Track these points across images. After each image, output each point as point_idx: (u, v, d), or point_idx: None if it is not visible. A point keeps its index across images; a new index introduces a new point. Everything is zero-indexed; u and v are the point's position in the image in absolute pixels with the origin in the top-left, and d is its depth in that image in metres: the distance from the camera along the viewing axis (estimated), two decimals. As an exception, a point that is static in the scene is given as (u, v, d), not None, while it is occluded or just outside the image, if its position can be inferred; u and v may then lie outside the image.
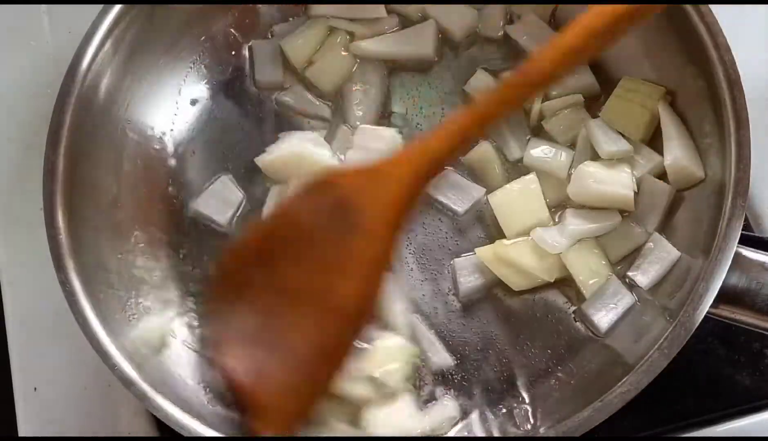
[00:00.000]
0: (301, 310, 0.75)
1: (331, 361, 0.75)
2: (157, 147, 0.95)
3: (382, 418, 0.82)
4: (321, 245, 0.74)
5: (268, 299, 0.76)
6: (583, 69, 0.94)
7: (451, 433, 0.84)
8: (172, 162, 0.96)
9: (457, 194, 0.93)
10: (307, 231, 0.75)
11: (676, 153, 0.85)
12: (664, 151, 0.87)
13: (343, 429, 0.82)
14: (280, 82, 0.99)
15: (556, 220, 0.90)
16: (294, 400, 0.76)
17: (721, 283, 0.74)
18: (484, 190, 0.93)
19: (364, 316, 0.75)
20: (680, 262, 0.84)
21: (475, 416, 0.85)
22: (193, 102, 0.98)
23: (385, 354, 0.85)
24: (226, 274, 0.80)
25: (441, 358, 0.88)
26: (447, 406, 0.85)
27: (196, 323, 0.90)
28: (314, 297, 0.74)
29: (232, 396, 0.78)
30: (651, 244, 0.86)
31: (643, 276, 0.85)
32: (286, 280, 0.75)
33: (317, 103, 0.98)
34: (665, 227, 0.87)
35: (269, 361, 0.76)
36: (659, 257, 0.85)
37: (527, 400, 0.85)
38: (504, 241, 0.89)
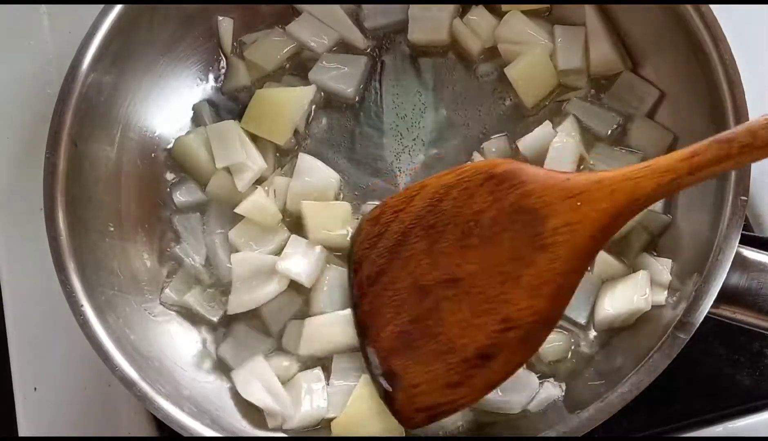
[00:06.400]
0: (467, 305, 0.69)
1: (490, 371, 0.69)
2: (157, 147, 0.95)
3: None
4: (496, 242, 0.67)
5: (429, 276, 0.70)
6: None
7: None
8: (173, 162, 0.96)
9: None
10: (479, 219, 0.68)
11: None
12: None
13: None
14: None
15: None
16: (439, 395, 0.71)
17: (722, 283, 0.74)
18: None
19: (538, 337, 0.69)
20: (682, 262, 0.84)
21: None
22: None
23: None
24: (377, 233, 0.73)
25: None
26: None
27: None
28: (484, 297, 0.68)
29: (380, 372, 0.74)
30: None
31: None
32: (451, 263, 0.69)
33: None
34: (665, 227, 0.88)
35: (423, 346, 0.70)
36: None
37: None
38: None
